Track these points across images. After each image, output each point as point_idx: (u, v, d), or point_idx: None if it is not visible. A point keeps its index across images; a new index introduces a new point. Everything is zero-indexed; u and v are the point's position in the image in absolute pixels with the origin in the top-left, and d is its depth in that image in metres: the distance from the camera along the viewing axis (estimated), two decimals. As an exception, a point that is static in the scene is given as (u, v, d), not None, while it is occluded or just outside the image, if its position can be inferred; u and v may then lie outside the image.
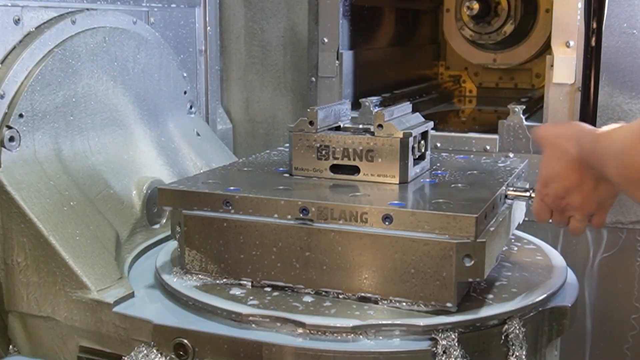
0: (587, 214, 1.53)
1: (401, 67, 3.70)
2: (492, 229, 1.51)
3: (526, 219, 1.92)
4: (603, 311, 2.53)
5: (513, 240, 1.95)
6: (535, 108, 2.89)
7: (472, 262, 1.44)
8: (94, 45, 1.99)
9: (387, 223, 1.48)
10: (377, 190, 1.67)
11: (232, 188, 1.64)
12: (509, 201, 1.71)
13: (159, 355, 1.52)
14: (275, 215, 1.57)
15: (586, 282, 2.50)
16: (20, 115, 1.77)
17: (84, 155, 1.94)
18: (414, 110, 1.89)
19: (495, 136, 2.59)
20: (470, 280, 1.48)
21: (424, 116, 1.90)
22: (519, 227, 1.86)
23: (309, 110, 1.77)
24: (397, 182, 1.70)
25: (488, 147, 2.58)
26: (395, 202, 1.53)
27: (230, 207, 1.60)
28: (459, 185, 1.71)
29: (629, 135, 1.22)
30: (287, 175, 1.80)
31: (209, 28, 2.71)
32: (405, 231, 1.47)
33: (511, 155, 2.53)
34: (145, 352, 1.53)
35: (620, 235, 2.47)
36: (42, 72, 1.83)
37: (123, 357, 1.56)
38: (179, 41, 2.52)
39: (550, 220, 1.59)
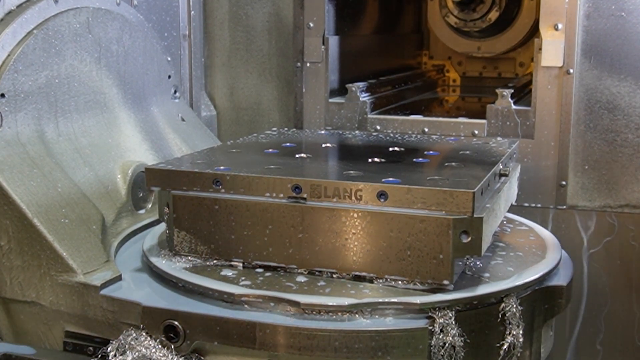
0: None
1: (385, 56, 3.68)
2: (488, 205, 1.49)
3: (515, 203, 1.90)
4: (597, 291, 2.52)
5: (505, 222, 1.94)
6: (519, 95, 2.87)
7: (469, 238, 1.41)
8: (77, 25, 1.94)
9: (382, 200, 1.45)
10: (371, 166, 1.64)
11: (222, 167, 1.60)
12: (503, 179, 1.69)
13: (149, 338, 1.47)
14: (267, 194, 1.53)
15: (578, 265, 2.49)
16: (2, 95, 1.72)
17: (67, 138, 1.89)
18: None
19: (484, 121, 2.57)
20: (467, 257, 1.45)
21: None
22: (509, 210, 1.84)
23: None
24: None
25: (476, 132, 2.57)
26: (390, 179, 1.50)
27: (220, 187, 1.56)
28: (453, 163, 1.68)
29: None
30: (276, 155, 1.77)
31: (192, 12, 2.67)
32: (401, 208, 1.44)
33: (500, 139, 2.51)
34: (134, 335, 1.48)
35: (609, 220, 2.47)
36: (24, 52, 1.77)
37: (111, 341, 1.51)
38: (162, 25, 2.47)
39: None
